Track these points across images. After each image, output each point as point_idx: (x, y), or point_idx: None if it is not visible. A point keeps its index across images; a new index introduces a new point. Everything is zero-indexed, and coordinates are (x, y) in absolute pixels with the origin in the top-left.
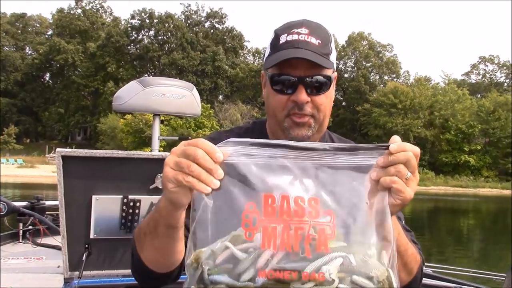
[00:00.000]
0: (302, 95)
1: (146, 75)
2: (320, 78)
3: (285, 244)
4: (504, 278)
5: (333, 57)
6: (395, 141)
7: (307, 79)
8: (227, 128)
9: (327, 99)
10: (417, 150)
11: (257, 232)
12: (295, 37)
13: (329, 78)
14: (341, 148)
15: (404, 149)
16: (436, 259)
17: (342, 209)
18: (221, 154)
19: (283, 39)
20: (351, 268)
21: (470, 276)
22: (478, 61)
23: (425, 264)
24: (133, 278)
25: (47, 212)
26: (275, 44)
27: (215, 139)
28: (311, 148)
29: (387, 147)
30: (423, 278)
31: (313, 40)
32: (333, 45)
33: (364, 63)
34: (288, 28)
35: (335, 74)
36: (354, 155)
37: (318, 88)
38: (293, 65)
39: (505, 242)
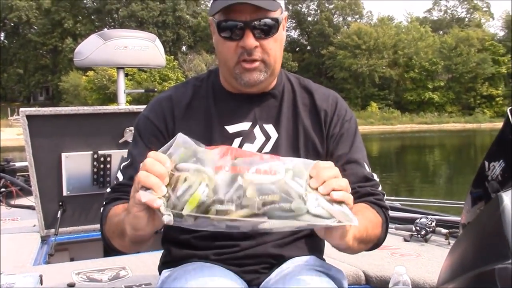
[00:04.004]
0: (250, 40)
1: (105, 29)
2: (267, 21)
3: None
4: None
5: None
6: None
7: (254, 23)
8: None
9: (276, 43)
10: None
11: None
12: None
13: (276, 20)
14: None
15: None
16: (404, 195)
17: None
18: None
19: None
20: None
21: (436, 206)
22: None
23: (394, 198)
24: None
25: (18, 174)
26: None
27: (172, 98)
28: None
29: None
30: (391, 211)
31: None
32: None
33: (327, 5)
34: None
35: (285, 14)
36: None
37: (266, 31)
38: (238, 10)
39: (470, 173)
